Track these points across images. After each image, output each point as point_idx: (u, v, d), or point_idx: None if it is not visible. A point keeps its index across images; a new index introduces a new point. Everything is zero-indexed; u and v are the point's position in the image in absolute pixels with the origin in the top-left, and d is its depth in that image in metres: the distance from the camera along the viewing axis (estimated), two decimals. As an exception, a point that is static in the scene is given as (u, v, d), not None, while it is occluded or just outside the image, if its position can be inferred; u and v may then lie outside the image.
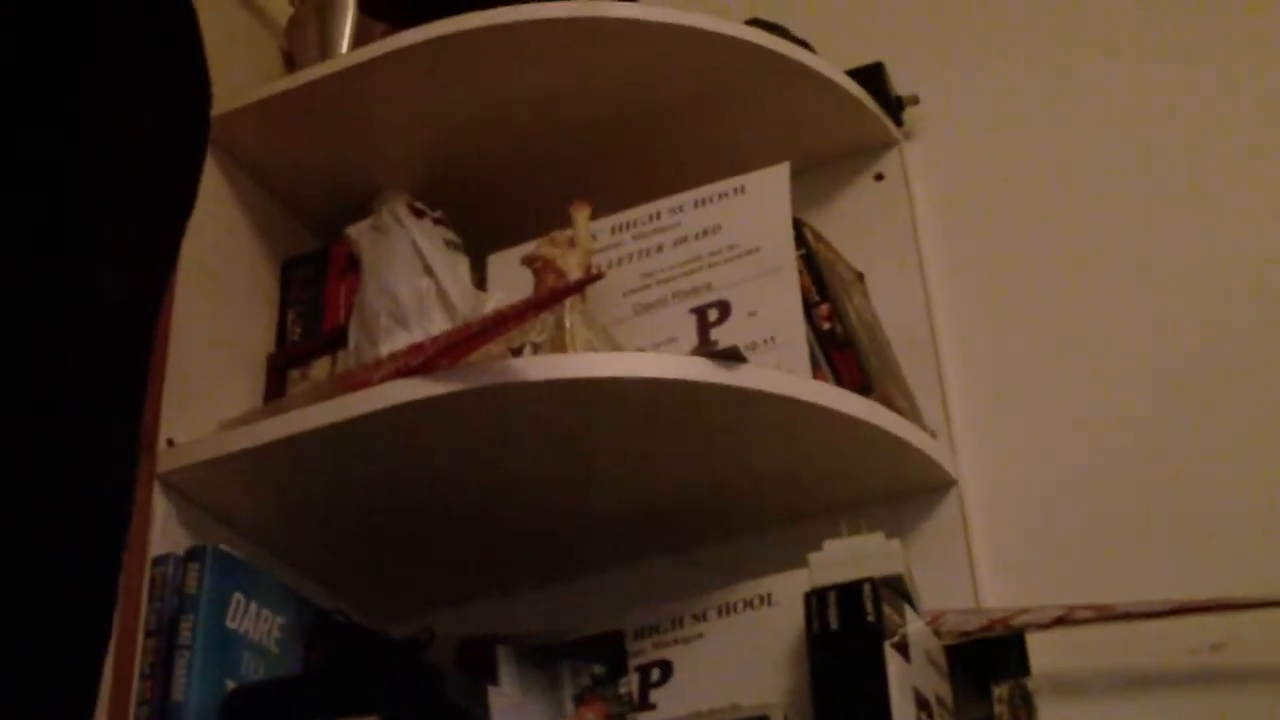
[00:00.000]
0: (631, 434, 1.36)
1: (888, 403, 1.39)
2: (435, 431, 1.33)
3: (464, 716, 1.33)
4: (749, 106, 1.59)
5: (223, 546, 1.36)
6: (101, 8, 1.04)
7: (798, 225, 1.46)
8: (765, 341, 1.38)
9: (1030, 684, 1.28)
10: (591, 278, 1.38)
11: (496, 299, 1.46)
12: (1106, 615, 1.29)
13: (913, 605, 1.27)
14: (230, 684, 1.31)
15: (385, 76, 1.55)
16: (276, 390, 1.57)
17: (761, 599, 1.36)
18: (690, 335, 1.42)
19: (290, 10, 1.82)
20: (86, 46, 1.02)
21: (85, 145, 1.00)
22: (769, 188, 1.47)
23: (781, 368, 1.35)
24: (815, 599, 1.23)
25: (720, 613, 1.37)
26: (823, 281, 1.44)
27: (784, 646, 1.31)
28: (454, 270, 1.52)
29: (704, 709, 1.30)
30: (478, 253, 1.57)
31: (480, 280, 1.55)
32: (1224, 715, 1.31)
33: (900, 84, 1.67)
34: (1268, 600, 1.28)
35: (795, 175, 1.48)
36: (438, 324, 1.46)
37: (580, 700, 1.37)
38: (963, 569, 1.40)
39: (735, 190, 1.49)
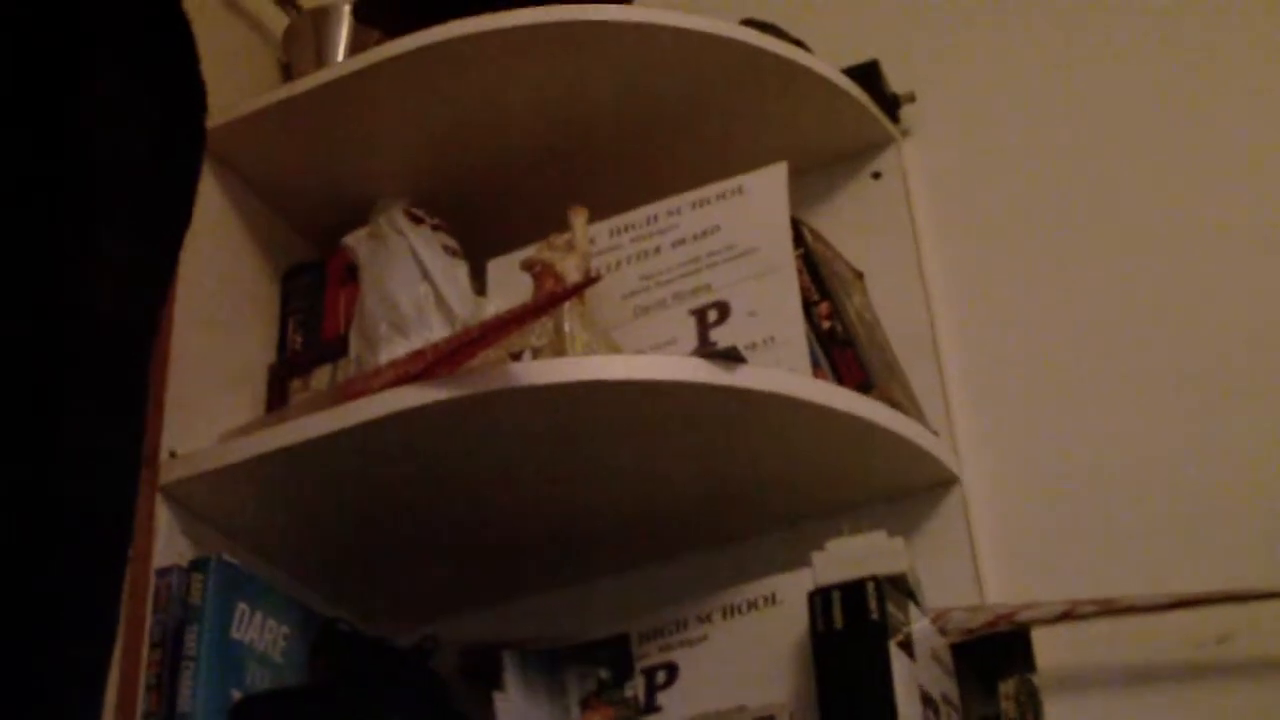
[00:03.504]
0: (633, 437, 1.36)
1: (889, 401, 1.39)
2: (436, 437, 1.33)
3: (470, 723, 1.33)
4: (745, 107, 1.59)
5: (226, 557, 1.36)
6: (97, 22, 1.04)
7: (796, 225, 1.46)
8: (765, 341, 1.38)
9: (1036, 680, 1.28)
10: (589, 281, 1.38)
11: (495, 304, 1.46)
12: (1111, 609, 1.29)
13: (917, 603, 1.27)
14: (236, 694, 1.32)
15: (381, 84, 1.55)
16: (278, 400, 1.57)
17: (766, 599, 1.36)
18: (690, 336, 1.42)
19: (286, 20, 1.82)
20: (83, 61, 1.02)
21: (83, 161, 1.00)
22: (767, 188, 1.47)
23: (781, 367, 1.35)
24: (819, 598, 1.23)
25: (725, 614, 1.37)
26: (822, 280, 1.44)
27: (789, 646, 1.30)
28: (453, 276, 1.52)
29: (710, 711, 1.30)
30: (477, 258, 1.57)
31: (479, 286, 1.55)
32: (1231, 707, 1.31)
33: (896, 81, 1.67)
34: (1273, 591, 1.28)
35: (793, 175, 1.48)
36: (437, 331, 1.46)
37: (586, 705, 1.37)
38: (966, 566, 1.40)
39: (733, 191, 1.49)
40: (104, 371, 0.98)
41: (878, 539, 1.27)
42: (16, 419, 0.93)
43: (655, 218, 1.51)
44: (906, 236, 1.60)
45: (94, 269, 0.99)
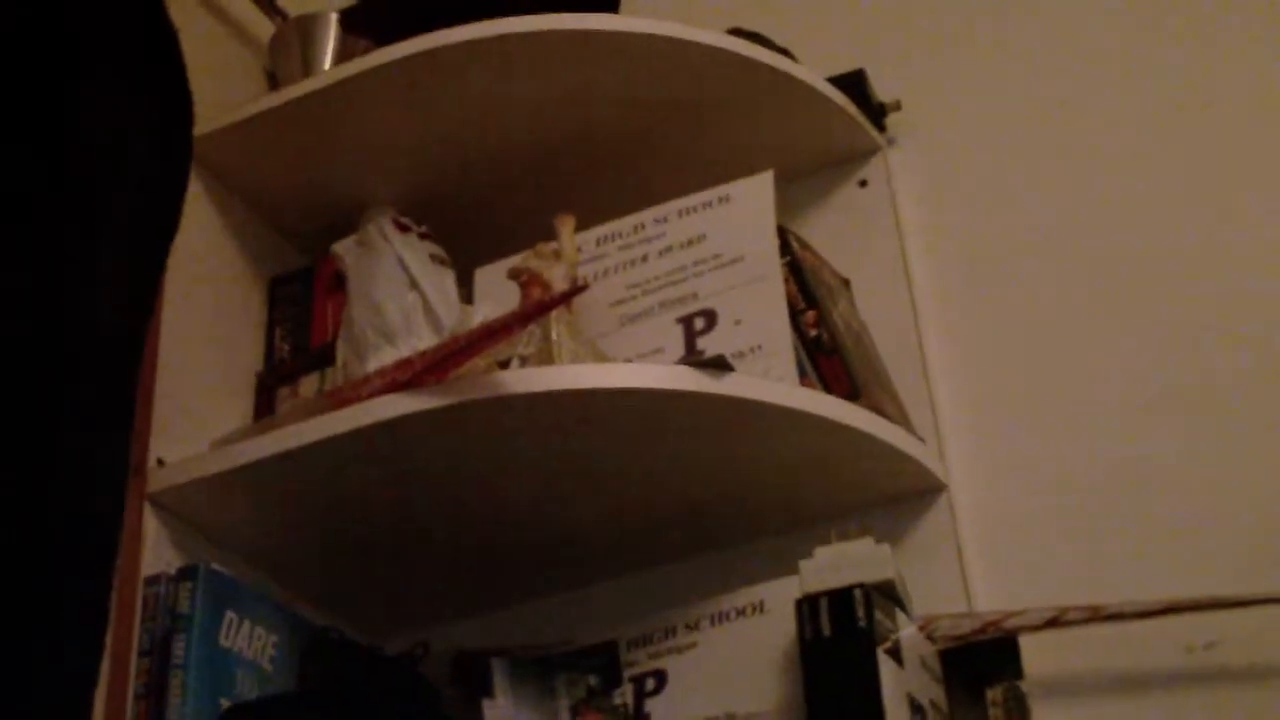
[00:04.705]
0: (620, 445, 1.36)
1: (876, 408, 1.39)
2: (424, 446, 1.33)
3: (459, 731, 1.33)
4: (732, 116, 1.59)
5: (214, 565, 1.36)
6: (85, 32, 1.04)
7: (782, 233, 1.46)
8: (752, 350, 1.38)
9: (1024, 686, 1.28)
10: (576, 289, 1.38)
11: (483, 313, 1.46)
12: (1099, 616, 1.29)
13: (905, 610, 1.27)
14: (225, 703, 1.31)
15: (368, 92, 1.55)
16: (266, 408, 1.57)
17: (754, 607, 1.36)
18: (677, 345, 1.42)
19: (272, 28, 1.82)
20: (72, 72, 1.02)
21: (83, 165, 1.00)
22: (753, 196, 1.47)
23: (769, 376, 1.35)
24: (807, 605, 1.24)
25: (713, 621, 1.37)
26: (808, 288, 1.44)
27: (777, 654, 1.31)
28: (440, 285, 1.52)
29: (699, 718, 1.30)
30: (464, 266, 1.57)
31: (467, 294, 1.55)
32: (1218, 713, 1.31)
33: (882, 90, 1.67)
34: (1259, 598, 1.28)
35: (779, 183, 1.48)
36: (424, 339, 1.46)
37: (576, 712, 1.37)
38: (954, 573, 1.41)
39: (719, 199, 1.49)
40: (101, 379, 0.98)
41: (865, 546, 1.28)
42: (16, 425, 0.93)
43: (642, 226, 1.51)
44: (893, 244, 1.60)
45: (90, 281, 0.99)
